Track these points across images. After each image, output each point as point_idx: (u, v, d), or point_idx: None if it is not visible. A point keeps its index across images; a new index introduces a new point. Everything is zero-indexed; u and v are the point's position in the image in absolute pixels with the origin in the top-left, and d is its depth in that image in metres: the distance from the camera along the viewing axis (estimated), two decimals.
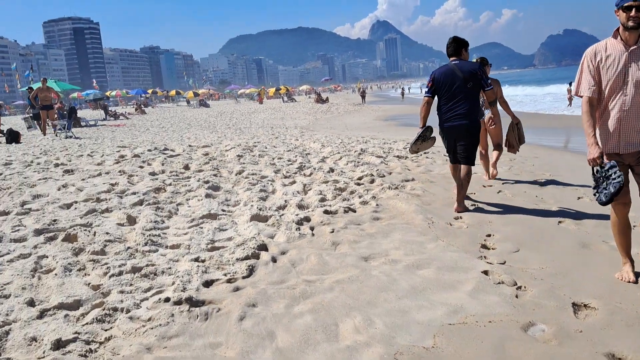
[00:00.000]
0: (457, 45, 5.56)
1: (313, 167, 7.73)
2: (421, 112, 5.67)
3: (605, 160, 3.34)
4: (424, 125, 5.72)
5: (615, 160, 3.36)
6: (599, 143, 3.38)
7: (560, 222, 5.17)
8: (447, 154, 5.96)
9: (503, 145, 6.88)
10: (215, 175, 6.97)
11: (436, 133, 5.74)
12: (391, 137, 14.82)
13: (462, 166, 5.62)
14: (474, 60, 6.21)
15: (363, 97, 48.93)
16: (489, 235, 4.75)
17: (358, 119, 27.81)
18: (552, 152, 11.06)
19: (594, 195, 3.47)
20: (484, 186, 6.77)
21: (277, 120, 27.78)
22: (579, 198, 6.09)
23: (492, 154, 6.90)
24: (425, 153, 9.46)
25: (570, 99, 26.98)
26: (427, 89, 5.64)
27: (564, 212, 5.52)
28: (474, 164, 5.62)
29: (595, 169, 3.43)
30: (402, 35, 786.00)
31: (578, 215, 5.36)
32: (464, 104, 5.40)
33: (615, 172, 3.29)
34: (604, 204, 3.39)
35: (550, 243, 4.51)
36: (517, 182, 7.16)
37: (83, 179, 7.00)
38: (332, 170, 7.51)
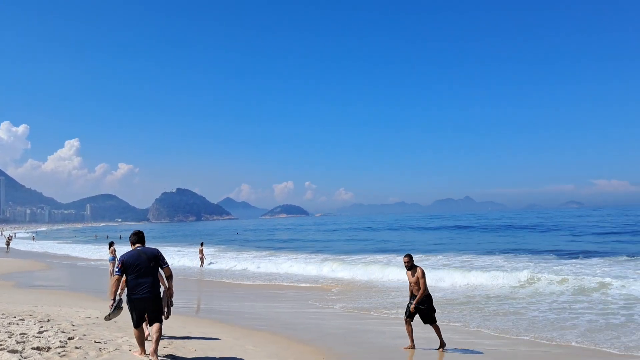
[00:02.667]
0: (140, 237, 7.48)
1: None
2: (112, 287, 7.25)
3: None
4: (114, 298, 7.26)
5: None
6: None
7: None
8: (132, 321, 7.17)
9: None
10: None
11: None
12: (12, 308, 12.08)
13: (155, 325, 7.13)
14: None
15: None
16: None
17: None
18: (209, 324, 10.74)
19: None
20: None
21: None
22: None
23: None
24: (70, 339, 7.92)
25: (201, 259, 28.23)
26: (117, 269, 7.16)
27: None
28: (162, 321, 7.32)
29: None
30: (7, 176, 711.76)
31: None
32: (148, 280, 7.13)
33: None
34: None
35: None
36: None
37: None
38: None
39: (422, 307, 9.12)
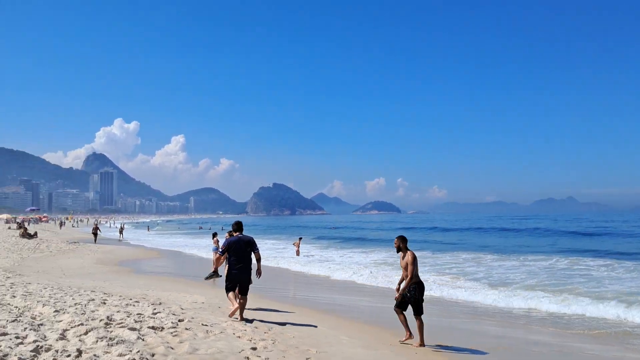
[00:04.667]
0: (240, 226, 9.87)
1: (55, 348, 5.98)
2: (217, 262, 10.18)
3: None
4: (215, 269, 10.80)
5: None
6: None
7: None
8: (228, 290, 9.78)
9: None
10: None
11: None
12: (127, 291, 13.24)
13: (243, 296, 9.70)
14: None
15: (95, 234, 41.89)
16: None
17: (75, 262, 24.67)
18: (305, 313, 11.16)
19: None
20: None
21: None
22: None
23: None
24: (181, 321, 8.58)
25: (297, 252, 29.50)
26: (222, 250, 9.66)
27: None
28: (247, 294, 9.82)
29: None
30: (119, 170, 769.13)
31: None
32: (243, 260, 9.59)
33: None
34: None
35: None
36: None
37: None
38: (80, 352, 5.93)
39: (409, 294, 8.72)
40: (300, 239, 32.35)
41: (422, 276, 19.76)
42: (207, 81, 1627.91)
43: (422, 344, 8.77)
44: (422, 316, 8.83)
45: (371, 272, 21.20)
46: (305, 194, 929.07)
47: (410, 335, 8.90)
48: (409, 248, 8.94)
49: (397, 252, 8.95)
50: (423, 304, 8.83)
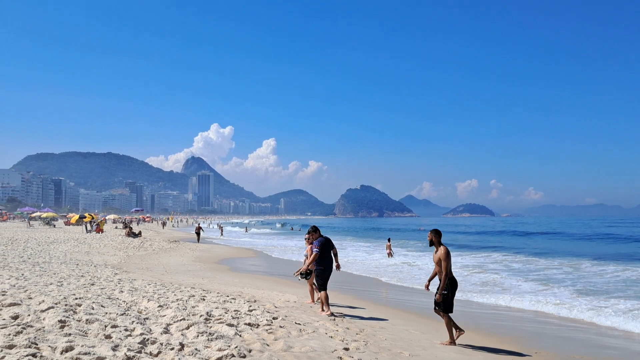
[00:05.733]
0: (318, 230, 11.36)
1: (159, 341, 6.33)
2: (313, 259, 10.69)
3: None
4: (309, 267, 11.04)
5: None
6: None
7: None
8: (318, 286, 10.84)
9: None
10: (34, 356, 5.21)
11: None
12: (224, 288, 13.77)
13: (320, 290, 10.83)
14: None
15: (198, 234, 43.73)
16: None
17: (176, 260, 26.04)
18: (395, 314, 11.06)
19: None
20: None
21: (81, 255, 24.69)
22: None
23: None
24: (275, 319, 8.78)
25: (389, 254, 29.29)
26: (317, 250, 10.65)
27: None
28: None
29: None
30: (215, 173, 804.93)
31: None
32: (329, 256, 10.87)
33: None
34: None
35: None
36: None
37: None
38: (182, 346, 6.24)
39: (445, 292, 8.35)
40: (389, 239, 32.18)
41: (510, 281, 19.08)
42: (297, 86, 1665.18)
43: (452, 342, 8.57)
44: (451, 315, 8.63)
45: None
46: (394, 195, 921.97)
47: (452, 341, 8.65)
48: (442, 243, 8.71)
49: (430, 245, 8.79)
50: (453, 302, 8.58)
